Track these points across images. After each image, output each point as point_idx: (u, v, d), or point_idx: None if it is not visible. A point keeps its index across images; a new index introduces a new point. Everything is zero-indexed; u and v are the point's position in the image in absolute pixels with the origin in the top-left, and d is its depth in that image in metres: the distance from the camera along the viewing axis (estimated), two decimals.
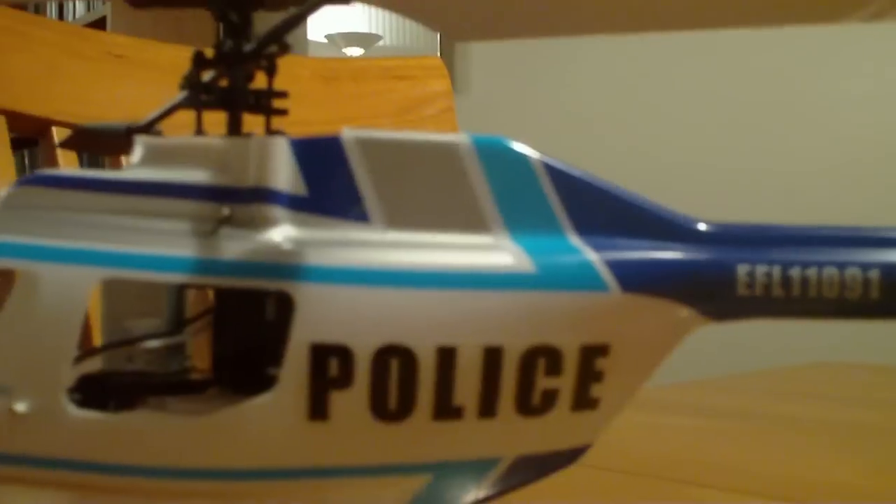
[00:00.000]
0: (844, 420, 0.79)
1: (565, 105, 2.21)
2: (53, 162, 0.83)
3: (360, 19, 2.83)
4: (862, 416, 0.81)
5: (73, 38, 0.88)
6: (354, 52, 2.81)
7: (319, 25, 2.78)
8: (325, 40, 2.82)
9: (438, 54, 2.24)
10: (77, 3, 2.84)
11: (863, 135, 1.81)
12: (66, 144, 0.41)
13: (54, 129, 0.83)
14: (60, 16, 2.88)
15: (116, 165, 0.85)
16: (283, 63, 1.04)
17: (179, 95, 0.36)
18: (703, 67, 1.96)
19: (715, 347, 1.19)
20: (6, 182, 0.78)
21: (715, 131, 2.00)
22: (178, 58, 1.01)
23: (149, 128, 0.39)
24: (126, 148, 0.41)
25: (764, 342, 1.38)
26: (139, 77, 0.91)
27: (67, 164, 0.83)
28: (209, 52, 0.34)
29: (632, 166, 1.84)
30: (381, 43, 2.87)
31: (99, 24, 2.59)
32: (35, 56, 0.84)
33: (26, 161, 2.35)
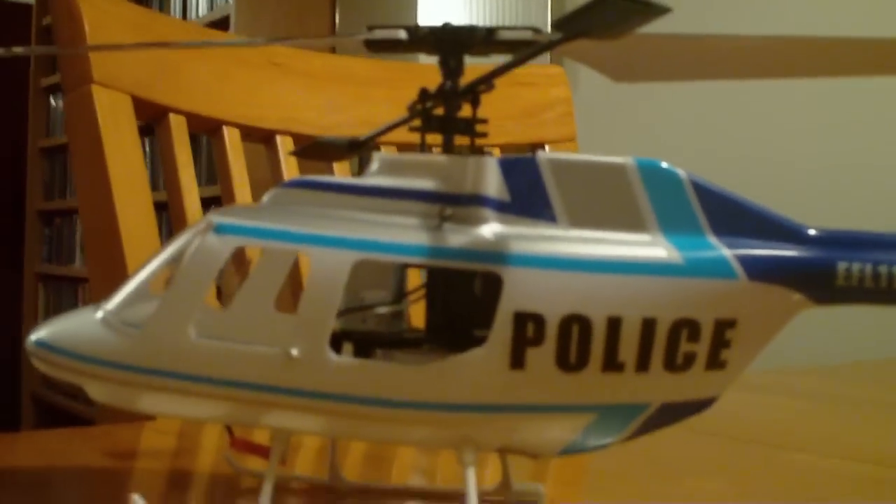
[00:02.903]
0: None
1: (669, 107, 2.29)
2: (225, 158, 0.94)
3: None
4: None
5: (240, 48, 1.00)
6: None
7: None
8: None
9: (549, 59, 2.33)
10: (201, 1, 2.99)
11: None
12: (299, 153, 0.51)
13: (225, 129, 0.95)
14: (184, 14, 3.03)
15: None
16: (420, 69, 1.18)
17: (398, 118, 0.47)
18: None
19: (808, 339, 1.28)
20: (189, 171, 0.90)
21: (816, 136, 2.07)
22: (326, 65, 1.13)
23: (368, 142, 0.49)
24: (346, 156, 0.52)
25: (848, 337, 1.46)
26: (295, 82, 1.02)
27: (237, 159, 0.95)
28: (431, 89, 0.44)
29: (730, 167, 1.92)
30: None
31: (222, 22, 2.73)
32: (209, 64, 0.95)
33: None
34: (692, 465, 0.58)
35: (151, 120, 0.91)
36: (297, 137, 1.00)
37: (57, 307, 3.87)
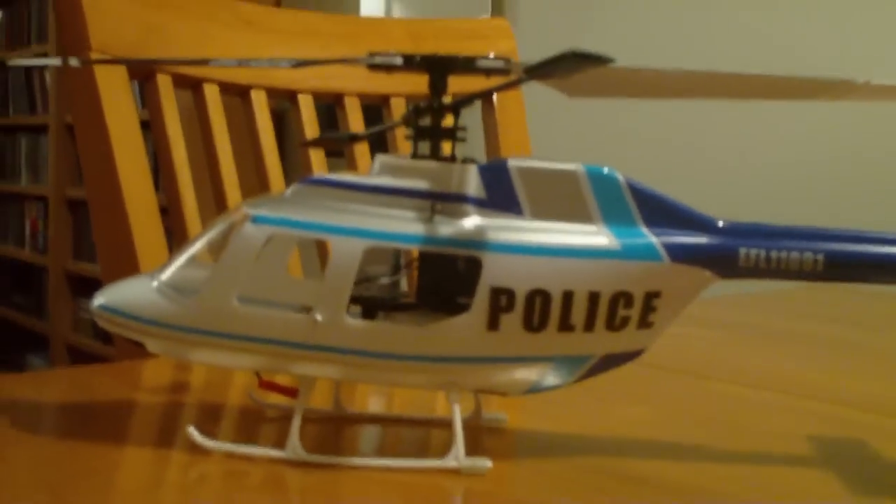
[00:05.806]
0: (827, 335, 1.02)
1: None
2: (206, 113, 1.03)
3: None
4: (838, 333, 1.03)
5: (215, 8, 1.08)
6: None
7: None
8: None
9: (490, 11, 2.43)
10: None
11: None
12: (309, 143, 0.62)
13: (205, 86, 1.04)
14: None
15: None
16: (381, 24, 1.30)
17: (395, 121, 0.57)
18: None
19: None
20: (176, 126, 0.99)
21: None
22: (293, 22, 1.22)
23: (367, 137, 0.60)
24: (348, 146, 0.63)
25: None
26: (266, 39, 1.11)
27: (216, 113, 1.04)
28: (422, 105, 0.54)
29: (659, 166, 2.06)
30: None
31: None
32: (190, 25, 1.04)
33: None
34: (623, 393, 0.71)
35: (141, 79, 1.00)
36: (271, 91, 1.10)
37: (3, 224, 3.91)
